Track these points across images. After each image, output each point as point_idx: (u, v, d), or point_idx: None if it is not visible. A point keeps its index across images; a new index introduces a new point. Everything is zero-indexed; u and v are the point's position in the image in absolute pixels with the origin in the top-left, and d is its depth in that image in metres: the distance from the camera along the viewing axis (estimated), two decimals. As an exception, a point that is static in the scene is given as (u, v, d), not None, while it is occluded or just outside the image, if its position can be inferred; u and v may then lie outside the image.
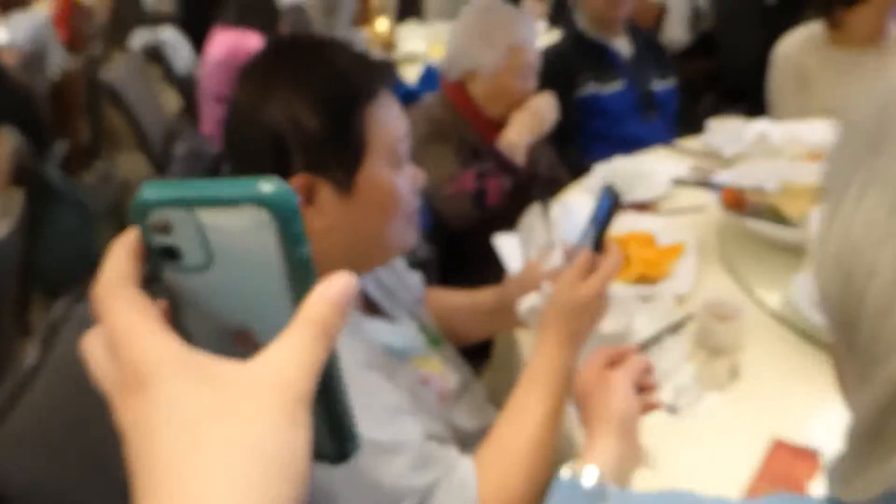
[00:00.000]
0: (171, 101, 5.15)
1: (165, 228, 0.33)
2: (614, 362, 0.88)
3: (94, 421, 0.70)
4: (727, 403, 1.07)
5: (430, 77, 3.08)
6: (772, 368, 1.14)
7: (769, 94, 2.50)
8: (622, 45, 2.43)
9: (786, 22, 3.89)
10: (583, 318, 0.92)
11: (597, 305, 0.93)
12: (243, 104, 0.85)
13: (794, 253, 1.36)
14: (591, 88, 2.35)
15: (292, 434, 0.30)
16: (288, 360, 0.31)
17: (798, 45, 2.42)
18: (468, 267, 1.76)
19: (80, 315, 0.92)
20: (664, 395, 1.08)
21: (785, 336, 1.21)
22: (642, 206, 1.71)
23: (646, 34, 2.53)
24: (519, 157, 1.82)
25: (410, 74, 3.49)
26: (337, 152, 0.83)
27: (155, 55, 4.43)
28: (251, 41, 3.40)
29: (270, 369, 0.31)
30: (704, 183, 1.58)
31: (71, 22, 4.93)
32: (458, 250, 1.81)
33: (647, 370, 0.87)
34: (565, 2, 4.64)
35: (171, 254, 0.33)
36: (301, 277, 0.32)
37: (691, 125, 2.59)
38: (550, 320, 0.92)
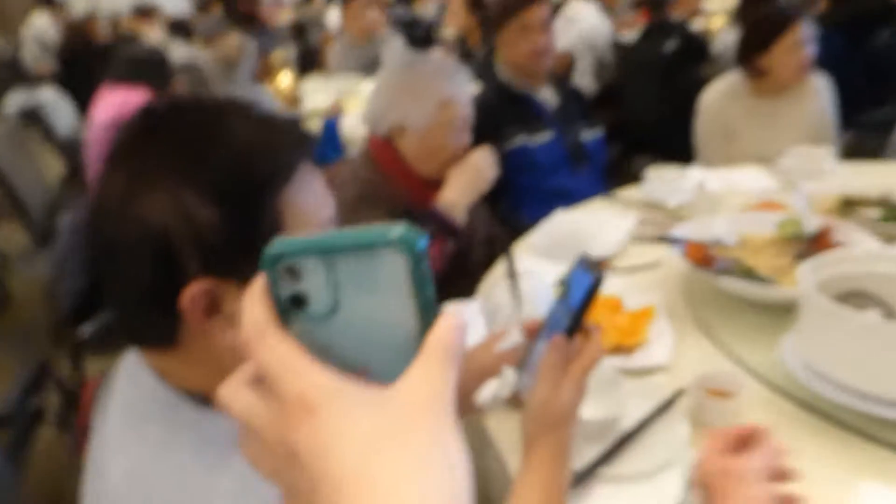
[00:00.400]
0: (53, 166, 4.77)
1: (295, 277, 0.35)
2: (739, 445, 0.76)
3: None
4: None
5: (331, 132, 2.92)
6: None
7: (696, 142, 2.49)
8: (548, 95, 2.35)
9: (686, 75, 4.01)
10: (570, 423, 0.81)
11: (577, 402, 0.82)
12: (113, 197, 0.63)
13: (773, 312, 1.26)
14: (519, 140, 2.25)
15: (458, 442, 0.33)
16: (433, 380, 0.34)
17: (721, 95, 2.43)
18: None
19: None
20: (672, 490, 0.94)
21: (782, 407, 1.09)
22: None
23: (568, 84, 2.47)
24: (460, 217, 1.68)
25: (318, 130, 3.33)
26: (245, 250, 0.62)
27: (33, 117, 4.08)
28: (139, 99, 3.16)
29: (422, 389, 0.34)
30: (663, 238, 1.48)
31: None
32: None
33: (782, 453, 0.75)
34: (470, 53, 4.64)
35: (297, 301, 0.36)
36: (426, 314, 0.35)
37: (606, 174, 2.55)
38: (537, 436, 0.81)
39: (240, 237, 0.62)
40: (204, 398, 0.65)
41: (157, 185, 0.61)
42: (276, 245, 0.36)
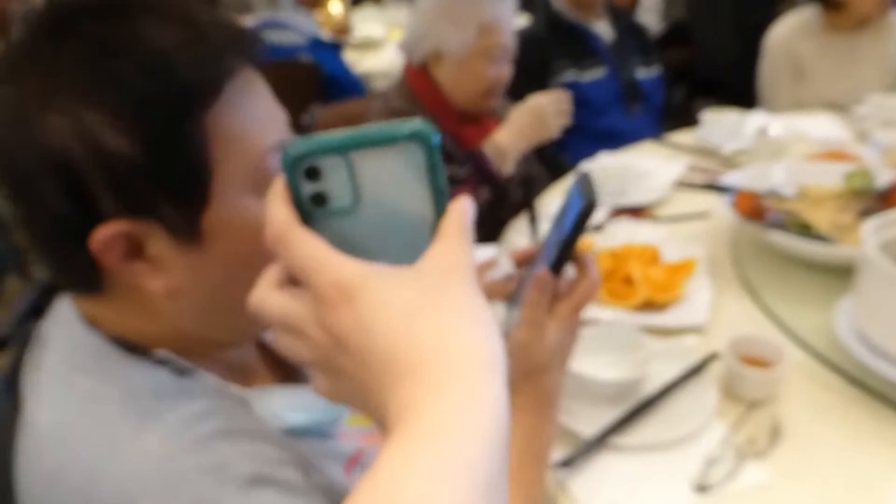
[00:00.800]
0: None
1: (315, 176, 0.37)
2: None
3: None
4: (770, 475, 0.83)
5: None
6: (823, 426, 0.90)
7: (761, 83, 2.29)
8: (603, 29, 2.18)
9: (761, 10, 3.73)
10: (556, 368, 0.71)
11: (567, 346, 0.72)
12: (9, 109, 0.52)
13: (829, 274, 1.13)
14: (569, 76, 2.11)
15: (487, 304, 0.36)
16: (454, 251, 0.37)
17: (791, 32, 2.21)
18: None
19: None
20: (691, 466, 0.84)
21: (830, 382, 0.97)
22: (637, 212, 1.47)
23: (627, 17, 2.29)
24: (507, 166, 1.55)
25: (368, 61, 3.22)
26: (165, 186, 0.52)
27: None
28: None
29: (446, 258, 0.36)
30: (711, 186, 1.34)
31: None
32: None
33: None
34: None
35: (318, 200, 0.38)
36: (439, 202, 0.38)
37: (666, 118, 2.38)
38: (516, 383, 0.69)
39: (156, 170, 0.51)
40: (136, 346, 0.58)
41: (54, 104, 0.50)
42: (296, 146, 0.37)
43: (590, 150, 2.12)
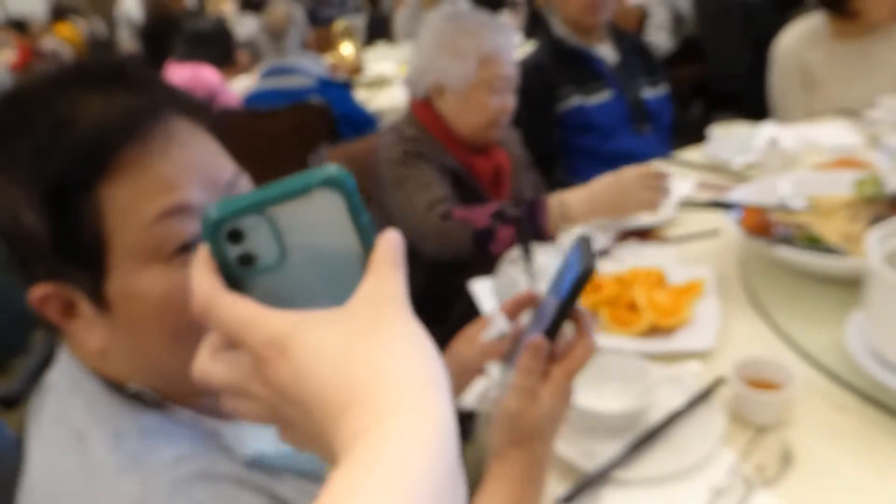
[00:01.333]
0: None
1: (238, 238, 0.37)
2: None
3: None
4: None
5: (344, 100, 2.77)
6: (835, 450, 0.86)
7: (772, 95, 2.25)
8: (606, 52, 2.17)
9: (773, 21, 3.69)
10: (548, 435, 0.70)
11: (560, 412, 0.69)
12: None
13: (840, 286, 1.09)
14: (574, 101, 2.09)
15: (424, 332, 0.36)
16: (386, 282, 0.37)
17: (800, 40, 2.18)
18: (437, 305, 1.47)
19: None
20: (698, 498, 0.81)
21: (845, 402, 0.93)
22: (644, 234, 1.45)
23: (631, 38, 2.27)
24: (562, 228, 1.45)
25: (380, 99, 3.25)
26: (69, 259, 0.56)
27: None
28: (206, 74, 3.15)
29: (378, 290, 0.37)
30: (717, 203, 1.31)
31: (33, 69, 4.73)
32: (426, 284, 1.52)
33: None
34: (538, 14, 4.43)
35: (245, 260, 0.38)
36: (366, 239, 0.38)
37: (683, 135, 2.35)
38: (504, 450, 0.69)
39: (59, 243, 0.55)
40: (119, 387, 0.61)
41: None
42: (214, 210, 0.37)
43: (599, 173, 2.10)
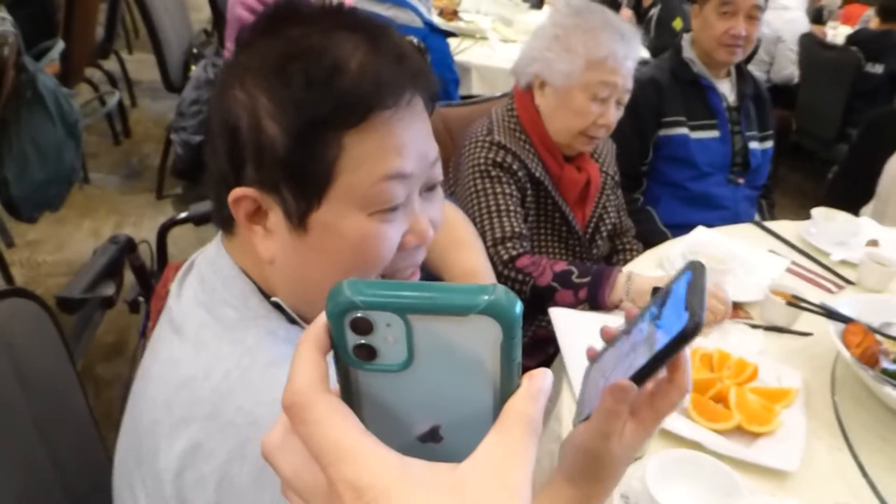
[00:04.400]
0: (203, 11, 4.74)
1: (366, 329, 0.32)
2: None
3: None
4: None
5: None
6: None
7: (878, 190, 2.15)
8: (726, 89, 2.08)
9: (879, 102, 3.57)
10: (616, 478, 0.66)
11: (641, 442, 0.64)
12: (223, 76, 0.67)
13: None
14: (680, 130, 2.01)
15: None
16: (505, 458, 0.31)
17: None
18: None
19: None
20: None
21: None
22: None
23: (755, 83, 2.16)
24: (627, 302, 1.36)
25: (469, 52, 3.13)
26: (293, 179, 0.63)
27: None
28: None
29: (492, 470, 0.31)
30: (822, 309, 1.25)
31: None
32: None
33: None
34: (644, 16, 4.27)
35: (363, 353, 0.33)
36: (509, 378, 0.33)
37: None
38: (579, 482, 0.65)
39: (290, 162, 0.62)
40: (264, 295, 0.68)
41: (244, 84, 0.63)
42: (349, 292, 0.32)
43: (681, 211, 2.03)
